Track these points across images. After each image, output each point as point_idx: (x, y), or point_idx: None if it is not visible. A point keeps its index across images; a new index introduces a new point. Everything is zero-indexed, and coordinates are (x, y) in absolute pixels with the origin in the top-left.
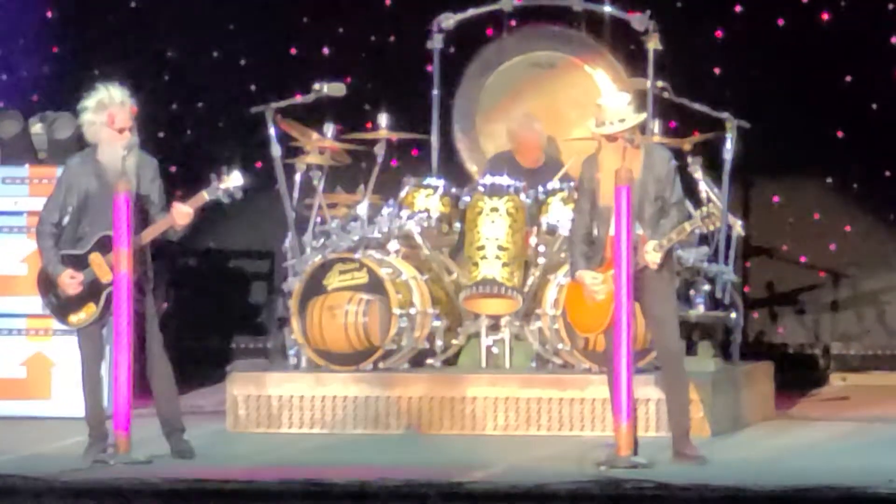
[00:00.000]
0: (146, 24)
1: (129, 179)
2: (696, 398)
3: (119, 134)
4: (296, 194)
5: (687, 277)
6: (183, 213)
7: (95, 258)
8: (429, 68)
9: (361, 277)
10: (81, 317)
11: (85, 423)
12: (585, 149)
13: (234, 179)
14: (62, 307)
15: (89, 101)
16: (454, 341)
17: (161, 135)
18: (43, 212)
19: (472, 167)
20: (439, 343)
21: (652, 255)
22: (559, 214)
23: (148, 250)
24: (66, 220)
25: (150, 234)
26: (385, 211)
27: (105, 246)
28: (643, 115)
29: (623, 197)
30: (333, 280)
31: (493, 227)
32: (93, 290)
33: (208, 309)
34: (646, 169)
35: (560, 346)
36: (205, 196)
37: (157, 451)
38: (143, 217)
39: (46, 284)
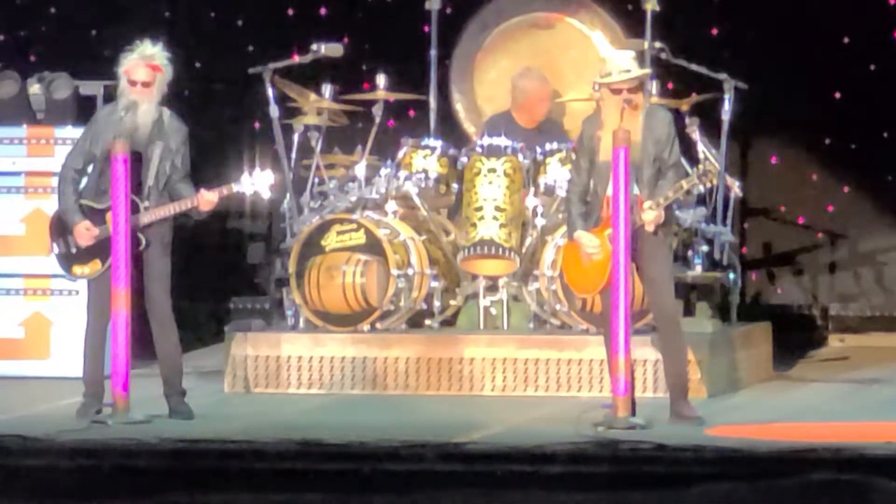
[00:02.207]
0: None
1: (138, 139)
2: (694, 359)
3: (132, 87)
4: (293, 155)
5: (684, 238)
6: (207, 201)
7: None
8: (426, 29)
9: (359, 238)
10: (86, 271)
11: (82, 382)
12: (582, 109)
13: (265, 178)
14: (69, 256)
15: (124, 54)
16: (452, 302)
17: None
18: (67, 157)
19: (469, 128)
20: (437, 304)
21: (648, 214)
22: (557, 175)
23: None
24: (90, 168)
25: (171, 210)
26: (383, 172)
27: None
28: (648, 70)
29: (621, 158)
30: (331, 241)
31: (490, 187)
32: (104, 247)
33: (206, 269)
34: (646, 129)
35: (558, 306)
36: (232, 188)
37: (156, 411)
38: (166, 184)
39: (59, 229)
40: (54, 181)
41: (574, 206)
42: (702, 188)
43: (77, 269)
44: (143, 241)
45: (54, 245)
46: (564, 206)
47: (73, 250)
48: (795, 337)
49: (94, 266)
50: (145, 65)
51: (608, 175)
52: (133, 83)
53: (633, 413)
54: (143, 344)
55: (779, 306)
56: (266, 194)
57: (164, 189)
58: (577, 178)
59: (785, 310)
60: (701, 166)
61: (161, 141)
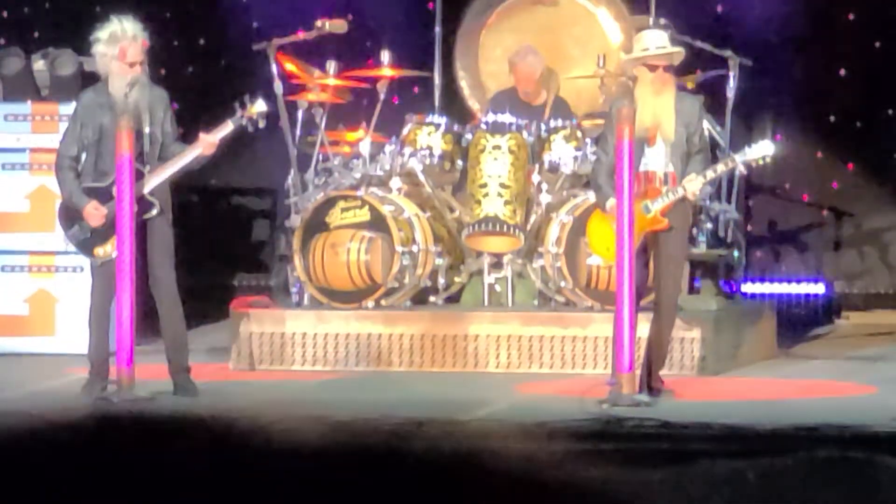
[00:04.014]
0: None
1: (138, 115)
2: (698, 336)
3: (130, 68)
4: (298, 131)
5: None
6: (210, 143)
7: None
8: (430, 5)
9: (364, 215)
10: (108, 249)
11: (87, 360)
12: (586, 86)
13: (258, 106)
14: (88, 240)
15: (102, 33)
16: (456, 279)
17: (163, 72)
18: (60, 146)
19: (473, 105)
20: (441, 281)
21: (694, 184)
22: (562, 152)
23: (167, 183)
24: (84, 154)
25: (177, 164)
26: (387, 148)
27: None
28: (682, 49)
29: (625, 136)
30: (336, 218)
31: (495, 164)
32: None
33: (211, 246)
34: (676, 113)
35: (562, 283)
36: (230, 125)
37: (160, 388)
38: (160, 150)
39: (70, 217)
40: None
41: (602, 180)
42: (743, 168)
43: (98, 251)
44: (157, 206)
45: (69, 233)
46: (591, 180)
47: (89, 234)
48: (800, 314)
49: (113, 243)
50: (140, 42)
51: (642, 151)
52: (132, 64)
53: (639, 390)
54: (147, 321)
55: (783, 283)
56: (262, 123)
57: (159, 156)
58: (604, 157)
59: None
60: (752, 153)
61: (147, 109)
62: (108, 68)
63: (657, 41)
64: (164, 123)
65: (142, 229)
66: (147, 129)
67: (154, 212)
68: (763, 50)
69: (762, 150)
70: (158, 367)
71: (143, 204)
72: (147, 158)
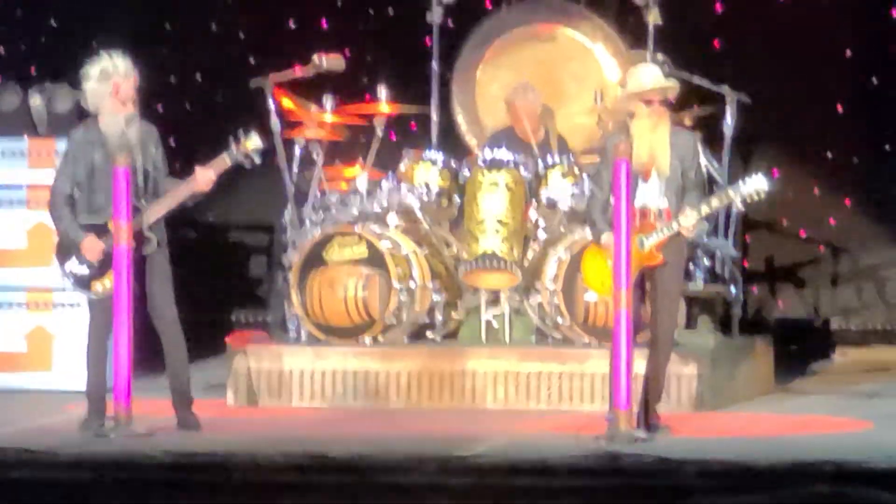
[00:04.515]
0: None
1: (131, 152)
2: (695, 372)
3: (122, 105)
4: (295, 168)
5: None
6: (206, 178)
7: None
8: (428, 41)
9: (361, 251)
10: (106, 284)
11: (85, 396)
12: (583, 123)
13: (252, 142)
14: (86, 275)
15: (93, 70)
16: (454, 315)
17: (159, 107)
18: (53, 185)
19: (471, 141)
20: (439, 317)
21: (688, 219)
22: (559, 188)
23: (163, 218)
24: (77, 191)
25: (174, 200)
26: (384, 184)
27: None
28: (676, 83)
29: (622, 170)
30: (333, 254)
31: (492, 201)
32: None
33: (208, 282)
34: (671, 148)
35: (559, 320)
36: (226, 160)
37: (158, 423)
38: (153, 185)
39: (67, 252)
40: None
41: (598, 214)
42: (740, 205)
43: (97, 286)
44: (154, 240)
45: (67, 269)
46: (587, 214)
47: (87, 269)
48: (797, 350)
49: (111, 278)
50: (133, 80)
51: (636, 186)
52: (125, 101)
53: (636, 426)
54: (146, 356)
55: (780, 320)
56: (257, 158)
57: (153, 191)
58: (598, 192)
59: (786, 323)
60: (752, 188)
61: (139, 146)
62: (99, 105)
63: (651, 75)
64: (155, 159)
65: (140, 264)
66: (140, 165)
67: (152, 247)
68: (760, 86)
69: (756, 185)
70: (158, 403)
71: (141, 239)
72: (142, 194)
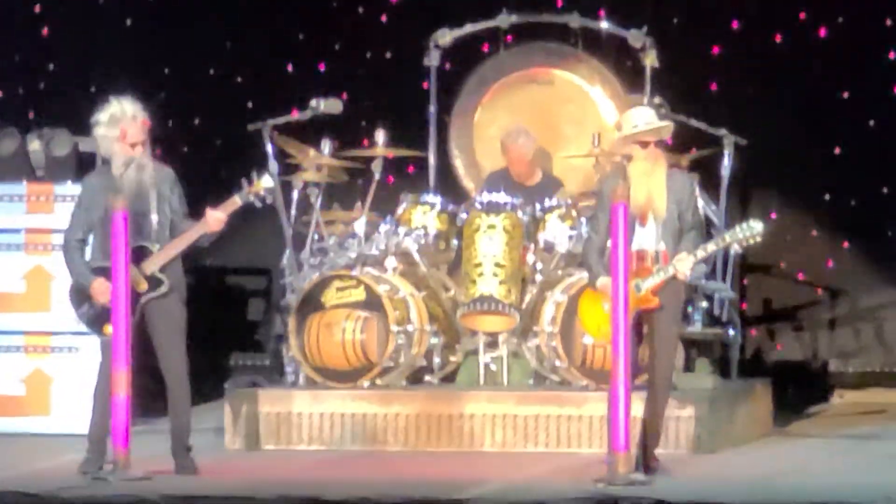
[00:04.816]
0: (142, 41)
1: (141, 194)
2: (693, 414)
3: (131, 148)
4: (293, 211)
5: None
6: (217, 220)
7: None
8: (425, 85)
9: (359, 294)
10: None
11: (86, 438)
12: (581, 165)
13: (265, 182)
14: (97, 317)
15: (102, 115)
16: (452, 358)
17: (157, 152)
18: (66, 231)
19: (468, 184)
20: (437, 360)
21: (684, 264)
22: (556, 231)
23: (180, 259)
24: (90, 236)
25: (185, 242)
26: (382, 228)
27: (136, 257)
28: (671, 123)
29: (619, 214)
30: (331, 297)
31: (490, 244)
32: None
33: (206, 326)
34: (668, 190)
35: (557, 363)
36: (237, 201)
37: (157, 467)
38: (169, 228)
39: (79, 296)
40: (54, 238)
41: (594, 258)
42: (738, 248)
43: (108, 328)
44: (166, 284)
45: (79, 312)
46: (583, 258)
47: (98, 311)
48: (795, 393)
49: None
50: (141, 122)
51: (633, 229)
52: (133, 144)
53: (634, 469)
54: (146, 399)
55: (779, 362)
56: (269, 199)
57: (169, 233)
58: (594, 236)
59: (785, 366)
60: (748, 232)
61: (154, 189)
62: (110, 150)
63: (645, 117)
64: (171, 201)
65: (150, 307)
66: (154, 208)
67: (163, 290)
68: (757, 128)
69: (752, 229)
70: (157, 446)
71: (152, 282)
72: (156, 237)
